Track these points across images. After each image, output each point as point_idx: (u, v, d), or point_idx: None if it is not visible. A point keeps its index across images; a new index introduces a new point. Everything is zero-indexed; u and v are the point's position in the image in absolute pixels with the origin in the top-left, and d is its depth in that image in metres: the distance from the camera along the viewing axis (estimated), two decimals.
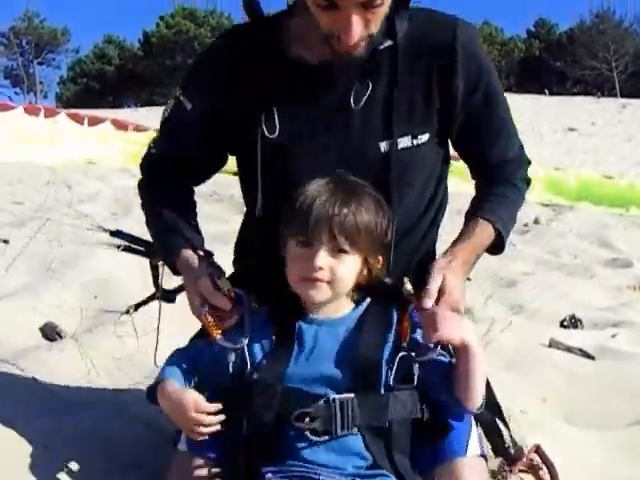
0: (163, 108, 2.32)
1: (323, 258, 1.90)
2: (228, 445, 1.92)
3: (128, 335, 3.22)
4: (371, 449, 1.89)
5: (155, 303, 2.55)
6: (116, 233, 2.45)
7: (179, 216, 2.22)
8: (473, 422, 2.04)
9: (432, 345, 1.93)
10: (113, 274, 4.71)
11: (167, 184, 2.29)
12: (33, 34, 76.96)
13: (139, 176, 2.41)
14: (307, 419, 1.86)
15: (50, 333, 3.86)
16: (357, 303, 2.03)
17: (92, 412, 2.65)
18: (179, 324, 2.58)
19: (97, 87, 73.28)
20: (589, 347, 4.10)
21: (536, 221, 10.72)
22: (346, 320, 1.99)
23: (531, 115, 34.44)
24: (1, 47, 79.49)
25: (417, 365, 1.93)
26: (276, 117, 2.09)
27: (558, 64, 67.67)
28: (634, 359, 3.93)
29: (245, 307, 2.03)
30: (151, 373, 2.66)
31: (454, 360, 1.95)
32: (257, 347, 1.97)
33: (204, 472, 1.93)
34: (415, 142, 2.10)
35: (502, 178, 2.27)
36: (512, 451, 2.28)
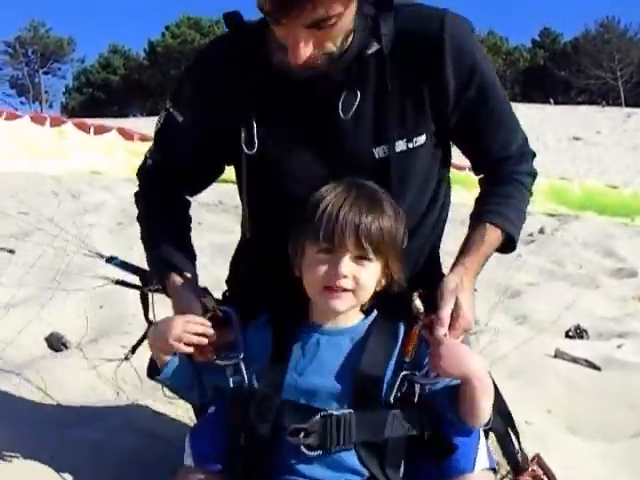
0: (157, 118, 2.30)
1: (348, 265, 1.86)
2: (228, 457, 1.91)
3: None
4: (366, 463, 1.88)
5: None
6: (111, 260, 2.44)
7: (171, 236, 2.22)
8: (482, 435, 2.01)
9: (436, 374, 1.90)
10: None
11: (162, 197, 2.28)
12: (39, 44, 77.16)
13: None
14: (302, 434, 1.85)
15: (56, 343, 3.87)
16: (366, 314, 2.01)
17: (98, 423, 2.65)
18: None
19: (102, 97, 73.42)
20: (594, 358, 4.10)
21: (541, 231, 10.71)
22: (351, 331, 1.96)
23: (536, 124, 34.36)
24: (7, 57, 79.72)
25: (419, 384, 1.90)
26: (255, 132, 2.05)
27: (563, 73, 67.65)
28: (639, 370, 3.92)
29: (235, 323, 2.01)
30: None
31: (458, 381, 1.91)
32: (255, 358, 1.95)
33: None
34: (411, 145, 2.06)
35: (506, 175, 2.21)
36: (520, 460, 2.27)
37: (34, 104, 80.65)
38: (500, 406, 2.04)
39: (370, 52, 2.01)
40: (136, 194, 2.38)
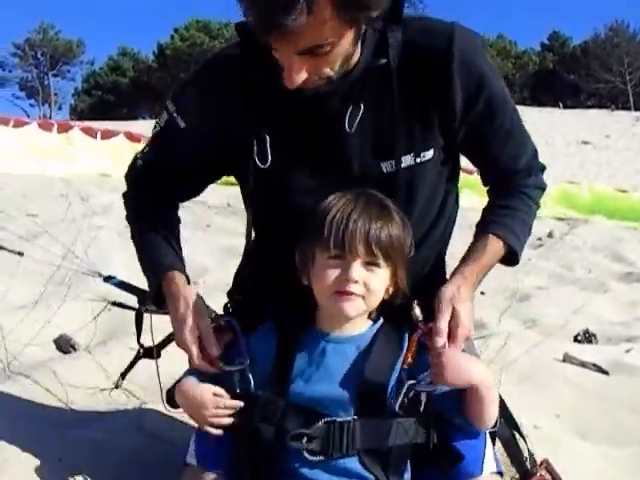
0: (156, 119, 2.27)
1: (358, 271, 1.87)
2: (235, 460, 1.92)
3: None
4: (370, 469, 1.87)
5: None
6: (109, 279, 2.44)
7: (163, 237, 2.20)
8: (489, 439, 2.01)
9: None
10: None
11: (153, 197, 2.26)
12: (48, 46, 77.48)
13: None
14: (305, 439, 1.85)
15: (64, 345, 3.88)
16: (373, 322, 2.01)
17: (105, 424, 2.66)
18: None
19: (111, 99, 73.66)
20: (603, 362, 4.09)
21: (550, 235, 10.69)
22: (358, 339, 1.96)
23: (545, 128, 34.35)
24: (16, 59, 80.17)
25: (424, 393, 1.90)
26: (268, 146, 2.05)
27: (572, 77, 67.64)
28: None
29: (238, 332, 2.02)
30: (164, 385, 2.67)
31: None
32: (259, 363, 1.96)
33: None
34: (418, 160, 2.05)
35: (514, 187, 2.20)
36: (529, 466, 2.26)
37: (43, 106, 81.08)
38: (504, 411, 2.04)
39: (377, 65, 1.99)
40: (125, 194, 2.36)
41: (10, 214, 7.68)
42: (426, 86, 2.02)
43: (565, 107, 50.94)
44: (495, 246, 2.12)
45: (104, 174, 14.90)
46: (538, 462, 2.33)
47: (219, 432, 1.93)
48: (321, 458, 1.85)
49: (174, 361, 2.28)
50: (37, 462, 2.22)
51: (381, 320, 2.01)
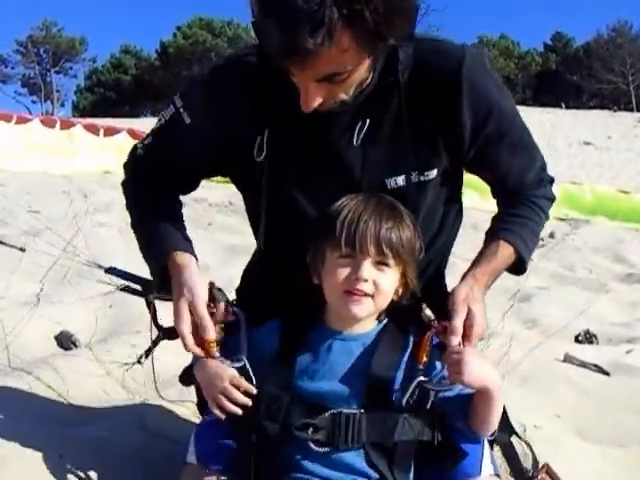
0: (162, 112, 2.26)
1: (368, 270, 1.90)
2: (238, 457, 1.92)
3: (143, 345, 3.23)
4: (375, 464, 1.89)
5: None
6: (111, 270, 2.43)
7: (168, 220, 2.19)
8: (487, 442, 2.02)
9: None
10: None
11: (154, 186, 2.24)
12: (51, 43, 77.52)
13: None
14: (310, 429, 1.87)
15: (65, 342, 3.88)
16: (379, 321, 2.03)
17: (107, 421, 2.66)
18: None
19: (114, 96, 73.72)
20: (604, 363, 4.09)
21: (551, 235, 10.68)
22: (364, 337, 1.98)
23: (547, 129, 34.35)
24: (19, 56, 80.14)
25: (433, 392, 1.92)
26: (264, 141, 2.06)
27: (574, 78, 67.65)
28: None
29: (242, 325, 2.02)
30: (165, 383, 2.67)
31: (472, 390, 1.93)
32: (262, 359, 1.97)
33: None
34: (422, 178, 2.06)
35: (523, 198, 2.23)
36: (528, 470, 2.27)
37: (45, 103, 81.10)
38: (502, 417, 2.05)
39: (387, 82, 2.00)
40: (124, 183, 2.34)
41: (12, 211, 7.69)
42: (434, 106, 2.03)
43: (567, 108, 50.89)
44: (506, 252, 2.14)
45: (106, 171, 14.89)
46: (539, 466, 2.35)
47: (222, 416, 1.92)
48: (326, 449, 1.87)
49: (172, 355, 2.28)
50: (38, 459, 2.22)
51: (385, 319, 2.03)
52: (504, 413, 2.14)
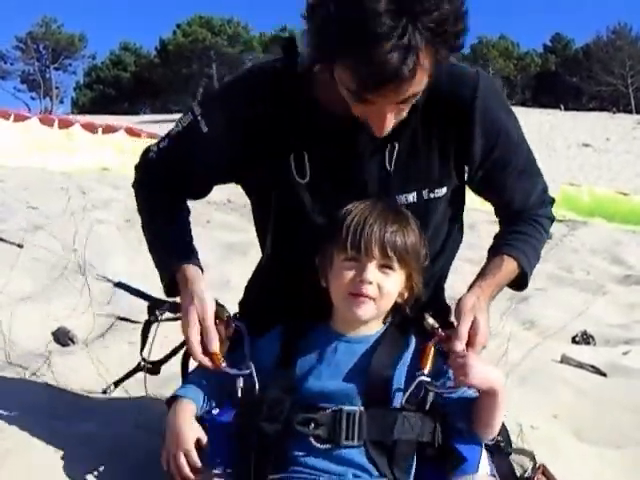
0: (179, 117, 2.28)
1: (373, 273, 1.93)
2: (239, 459, 1.93)
3: (139, 343, 3.24)
4: (375, 462, 1.90)
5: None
6: (120, 285, 2.45)
7: (178, 230, 2.24)
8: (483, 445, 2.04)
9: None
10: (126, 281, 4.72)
11: (166, 190, 2.27)
12: (50, 39, 77.52)
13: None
14: (312, 425, 1.89)
15: (62, 338, 3.88)
16: (384, 324, 2.07)
17: (102, 418, 2.65)
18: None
19: (113, 93, 73.75)
20: (601, 364, 4.09)
21: (549, 237, 10.68)
22: (368, 339, 2.01)
23: (546, 130, 34.41)
24: (18, 52, 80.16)
25: (433, 393, 1.94)
26: (307, 163, 2.09)
27: (574, 79, 67.73)
28: None
29: (245, 337, 2.06)
30: (162, 381, 2.67)
31: (477, 393, 1.96)
32: (264, 361, 2.00)
33: None
34: (433, 195, 2.12)
35: (526, 217, 2.30)
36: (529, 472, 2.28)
37: (45, 99, 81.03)
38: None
39: None
40: (135, 185, 2.37)
41: (11, 206, 7.67)
42: (447, 128, 2.08)
43: (566, 109, 50.99)
44: (510, 266, 2.21)
45: (104, 168, 14.89)
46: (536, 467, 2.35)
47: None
48: (327, 446, 1.89)
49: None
50: (34, 455, 2.22)
51: (388, 321, 2.07)
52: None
